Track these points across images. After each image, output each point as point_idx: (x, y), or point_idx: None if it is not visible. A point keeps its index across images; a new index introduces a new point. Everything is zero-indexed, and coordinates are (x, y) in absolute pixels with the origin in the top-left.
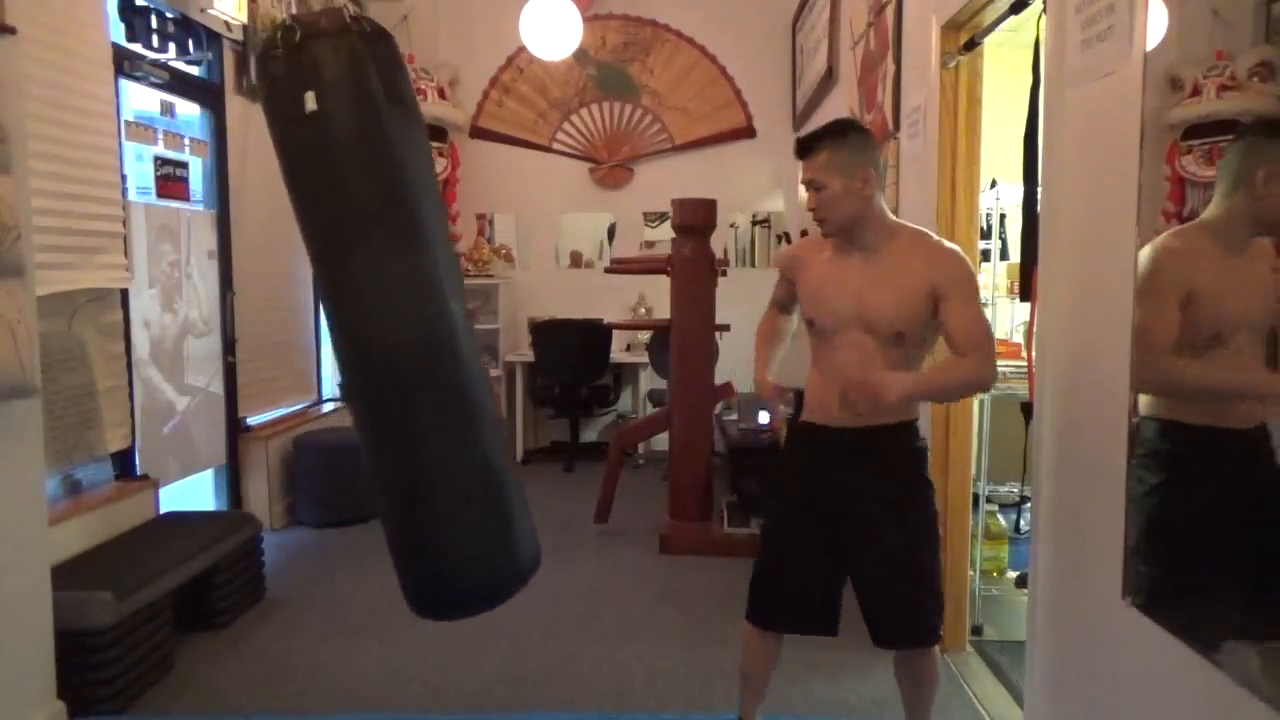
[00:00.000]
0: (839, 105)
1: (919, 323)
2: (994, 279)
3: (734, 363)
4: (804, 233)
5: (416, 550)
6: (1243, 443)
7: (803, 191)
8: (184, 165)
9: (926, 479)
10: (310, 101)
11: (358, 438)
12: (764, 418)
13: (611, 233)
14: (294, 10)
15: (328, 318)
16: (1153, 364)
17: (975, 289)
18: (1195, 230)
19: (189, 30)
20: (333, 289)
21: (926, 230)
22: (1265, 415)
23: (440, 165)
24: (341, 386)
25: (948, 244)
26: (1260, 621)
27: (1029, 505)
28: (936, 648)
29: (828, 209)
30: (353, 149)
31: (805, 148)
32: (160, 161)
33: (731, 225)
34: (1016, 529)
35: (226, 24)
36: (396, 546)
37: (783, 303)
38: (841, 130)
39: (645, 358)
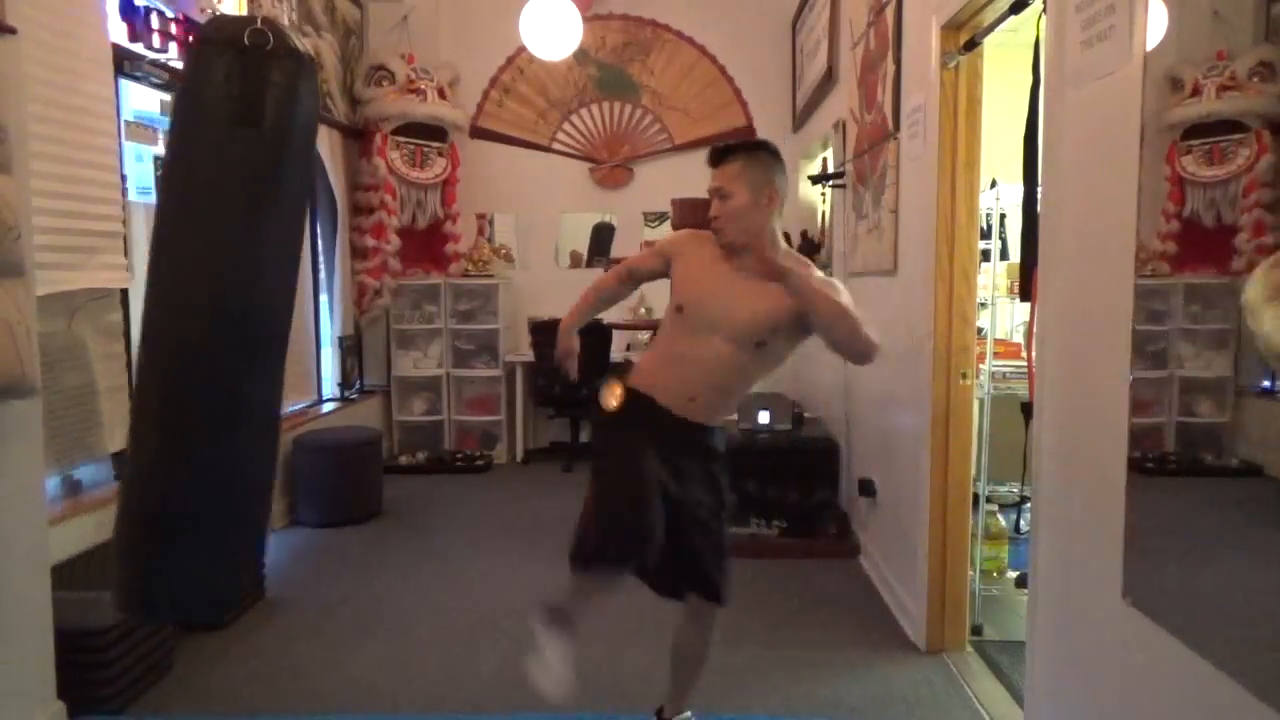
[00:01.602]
0: (839, 105)
1: (781, 333)
2: (994, 279)
3: None
4: (804, 233)
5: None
6: None
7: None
8: None
9: (725, 472)
10: (173, 101)
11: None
12: (764, 417)
13: (597, 234)
14: (294, 10)
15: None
16: None
17: (834, 285)
18: None
19: (189, 30)
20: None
21: (809, 262)
22: None
23: (440, 165)
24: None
25: (807, 262)
26: None
27: (1029, 505)
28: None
29: (730, 218)
30: (181, 153)
31: (720, 155)
32: (160, 161)
33: None
34: (1016, 529)
35: None
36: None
37: (639, 274)
38: (758, 146)
39: None
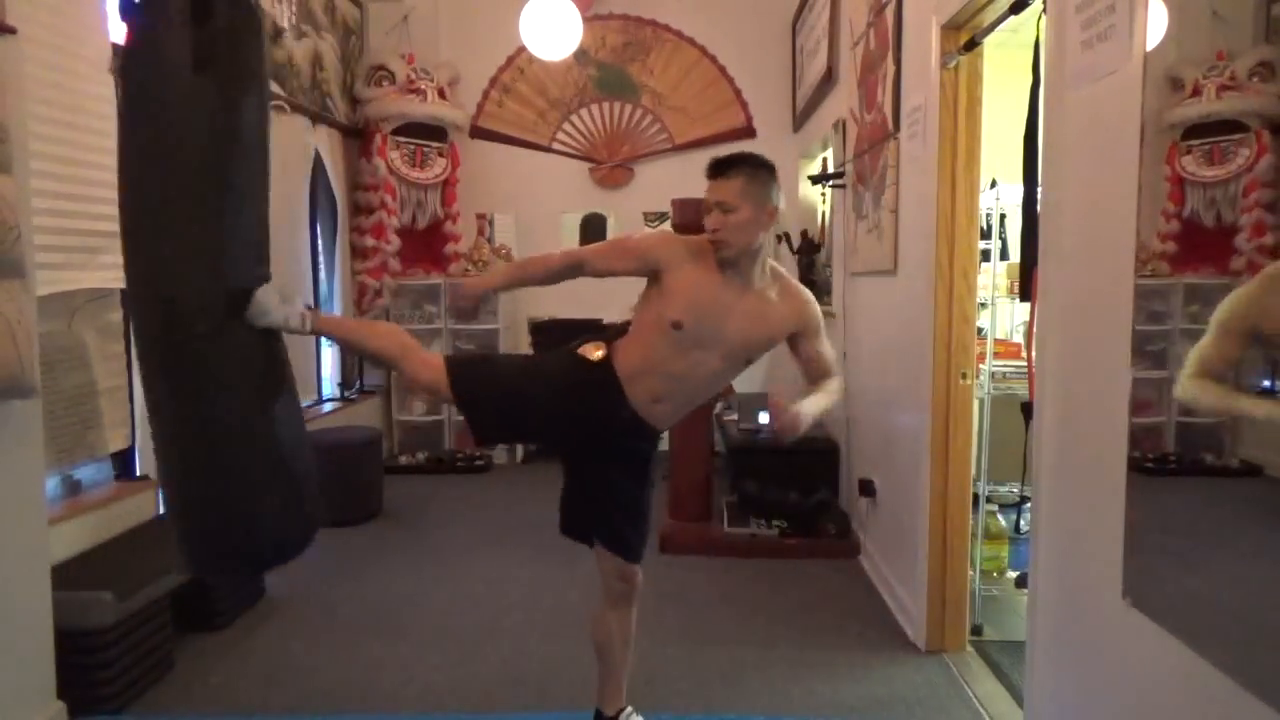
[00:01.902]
0: (839, 105)
1: (765, 351)
2: (994, 279)
3: None
4: (804, 233)
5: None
6: None
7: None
8: None
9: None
10: (119, 57)
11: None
12: (764, 417)
13: (585, 229)
14: (294, 9)
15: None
16: None
17: (822, 324)
18: None
19: None
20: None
21: (784, 271)
22: None
23: (440, 165)
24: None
25: (803, 289)
26: None
27: (1029, 505)
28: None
29: (732, 233)
30: (140, 103)
31: (722, 168)
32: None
33: None
34: (1016, 529)
35: None
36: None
37: (596, 270)
38: (760, 163)
39: None
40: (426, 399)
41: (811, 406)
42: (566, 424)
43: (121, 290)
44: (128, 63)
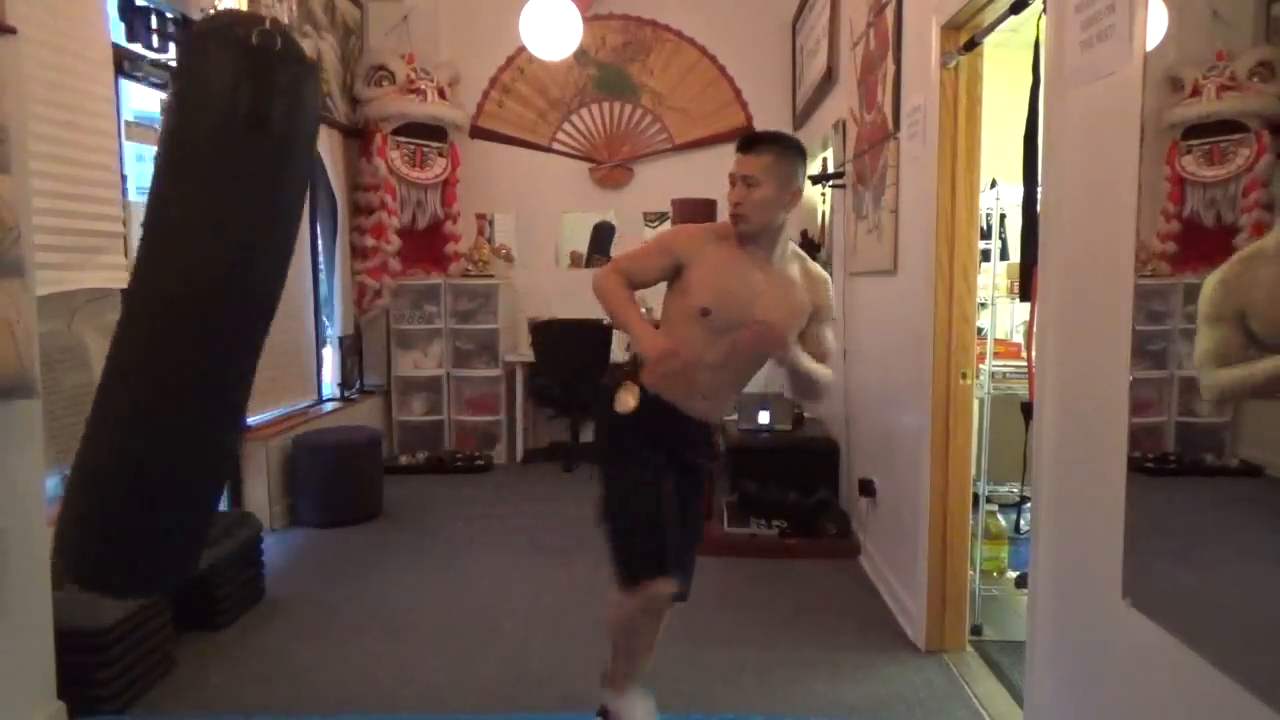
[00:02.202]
0: (839, 105)
1: (794, 330)
2: (994, 279)
3: None
4: (804, 232)
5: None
6: None
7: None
8: None
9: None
10: (170, 96)
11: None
12: (764, 417)
13: (597, 234)
14: (294, 10)
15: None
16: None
17: (833, 310)
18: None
19: (189, 30)
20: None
21: (804, 253)
22: None
23: (440, 165)
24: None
25: (822, 271)
26: None
27: (1029, 505)
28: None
29: (754, 209)
30: (178, 150)
31: (753, 143)
32: (156, 153)
33: None
34: (1016, 529)
35: None
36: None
37: (635, 279)
38: (791, 144)
39: None
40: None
41: (803, 358)
42: (669, 476)
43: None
44: (178, 116)
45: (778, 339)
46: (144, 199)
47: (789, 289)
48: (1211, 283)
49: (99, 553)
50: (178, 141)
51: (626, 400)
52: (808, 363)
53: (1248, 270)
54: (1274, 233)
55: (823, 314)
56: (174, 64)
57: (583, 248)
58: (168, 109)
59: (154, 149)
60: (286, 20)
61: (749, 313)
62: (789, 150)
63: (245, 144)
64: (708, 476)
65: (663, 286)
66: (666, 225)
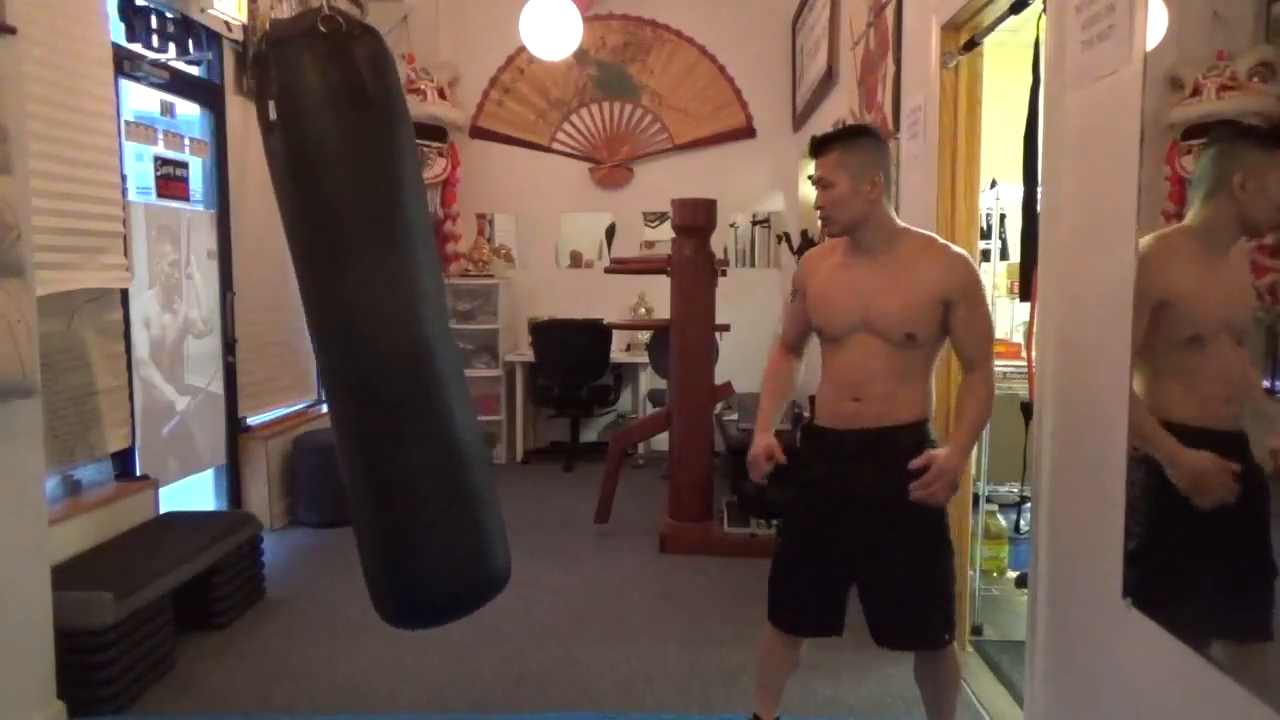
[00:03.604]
0: (839, 105)
1: (929, 325)
2: (994, 279)
3: (733, 363)
4: (804, 232)
5: (391, 558)
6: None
7: (808, 190)
8: (184, 165)
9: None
10: (272, 111)
11: (336, 443)
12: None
13: (611, 233)
14: (293, 10)
15: (314, 326)
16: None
17: (984, 292)
18: (1177, 234)
19: (189, 30)
20: (317, 299)
21: (934, 235)
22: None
23: (440, 165)
24: (326, 390)
25: (956, 248)
26: (1241, 621)
27: (1029, 505)
28: (954, 645)
29: (834, 208)
30: (311, 158)
31: (819, 145)
32: (160, 161)
33: (731, 225)
34: (1016, 529)
35: (226, 24)
36: (372, 554)
37: (794, 341)
38: (856, 133)
39: (645, 358)
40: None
41: (958, 453)
42: (817, 519)
43: (122, 291)
44: (275, 114)
45: (940, 492)
46: (144, 199)
47: (900, 274)
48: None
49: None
50: (301, 151)
51: (760, 467)
52: (964, 434)
53: (1166, 256)
54: (1193, 210)
55: (960, 296)
56: (256, 91)
57: (583, 248)
58: (273, 138)
59: (153, 148)
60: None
61: (857, 315)
62: (856, 140)
63: (358, 125)
64: (909, 509)
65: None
66: (666, 225)
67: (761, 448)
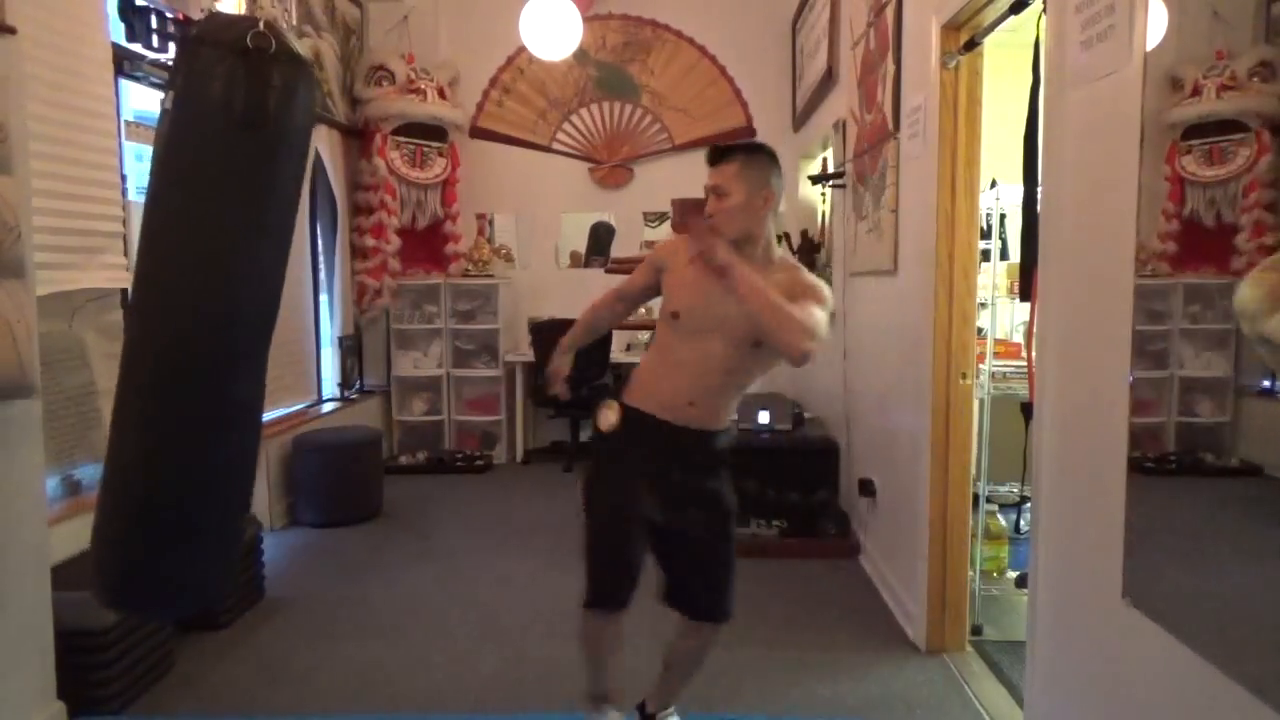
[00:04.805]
0: (839, 105)
1: None
2: (994, 279)
3: None
4: (804, 232)
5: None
6: None
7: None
8: None
9: (728, 478)
10: (168, 101)
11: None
12: (764, 417)
13: (597, 233)
14: (294, 10)
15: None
16: None
17: (825, 306)
18: None
19: (184, 35)
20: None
21: (797, 263)
22: None
23: (440, 165)
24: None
25: (809, 275)
26: None
27: (1029, 505)
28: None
29: (725, 216)
30: (177, 154)
31: (719, 154)
32: (152, 159)
33: None
34: (1016, 529)
35: None
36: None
37: (631, 295)
38: (756, 148)
39: None
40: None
41: (742, 264)
42: (649, 501)
43: (122, 291)
44: (174, 99)
45: (713, 242)
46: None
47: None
48: (1250, 294)
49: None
50: (174, 145)
51: (608, 417)
52: (755, 279)
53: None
54: None
55: (802, 295)
56: (171, 68)
57: (583, 248)
58: (164, 113)
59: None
60: (286, 21)
61: (716, 315)
62: (754, 155)
63: (241, 143)
64: (719, 495)
65: None
66: (666, 225)
67: (555, 368)
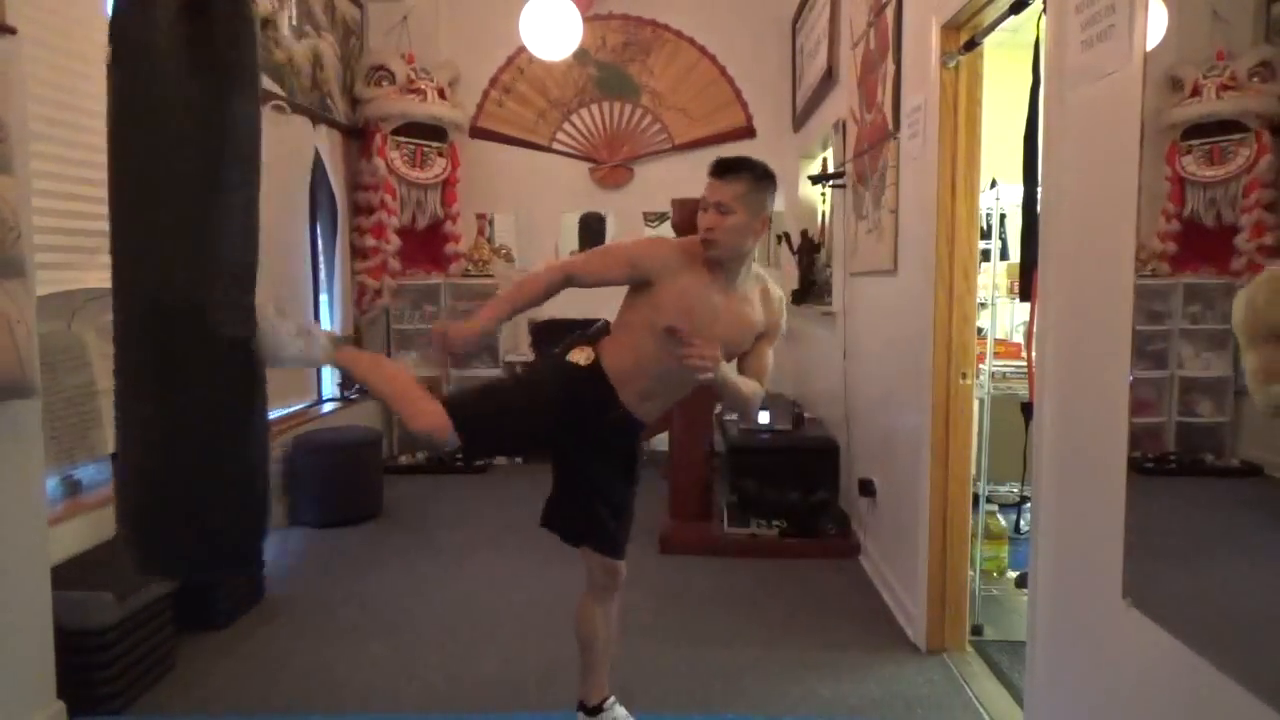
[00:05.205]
0: (839, 105)
1: (742, 349)
2: (994, 279)
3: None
4: (804, 232)
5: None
6: None
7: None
8: None
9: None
10: (108, 57)
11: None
12: (764, 417)
13: (585, 228)
14: (293, 10)
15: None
16: None
17: (781, 334)
18: None
19: None
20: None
21: (766, 275)
22: None
23: (440, 165)
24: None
25: (779, 294)
26: None
27: (1029, 505)
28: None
29: (726, 234)
30: (135, 104)
31: (727, 169)
32: (111, 99)
33: None
34: (1016, 529)
35: None
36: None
37: (586, 282)
38: (764, 173)
39: None
40: (426, 450)
41: (730, 372)
42: (561, 429)
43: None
44: (116, 56)
45: (709, 363)
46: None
47: (745, 311)
48: (1239, 305)
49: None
50: (123, 91)
51: (581, 354)
52: (734, 378)
53: (1274, 292)
54: None
55: (771, 333)
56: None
57: (582, 247)
58: (108, 69)
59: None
60: (286, 21)
61: (706, 333)
62: (762, 179)
63: (190, 79)
64: (632, 468)
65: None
66: (667, 225)
67: (473, 332)
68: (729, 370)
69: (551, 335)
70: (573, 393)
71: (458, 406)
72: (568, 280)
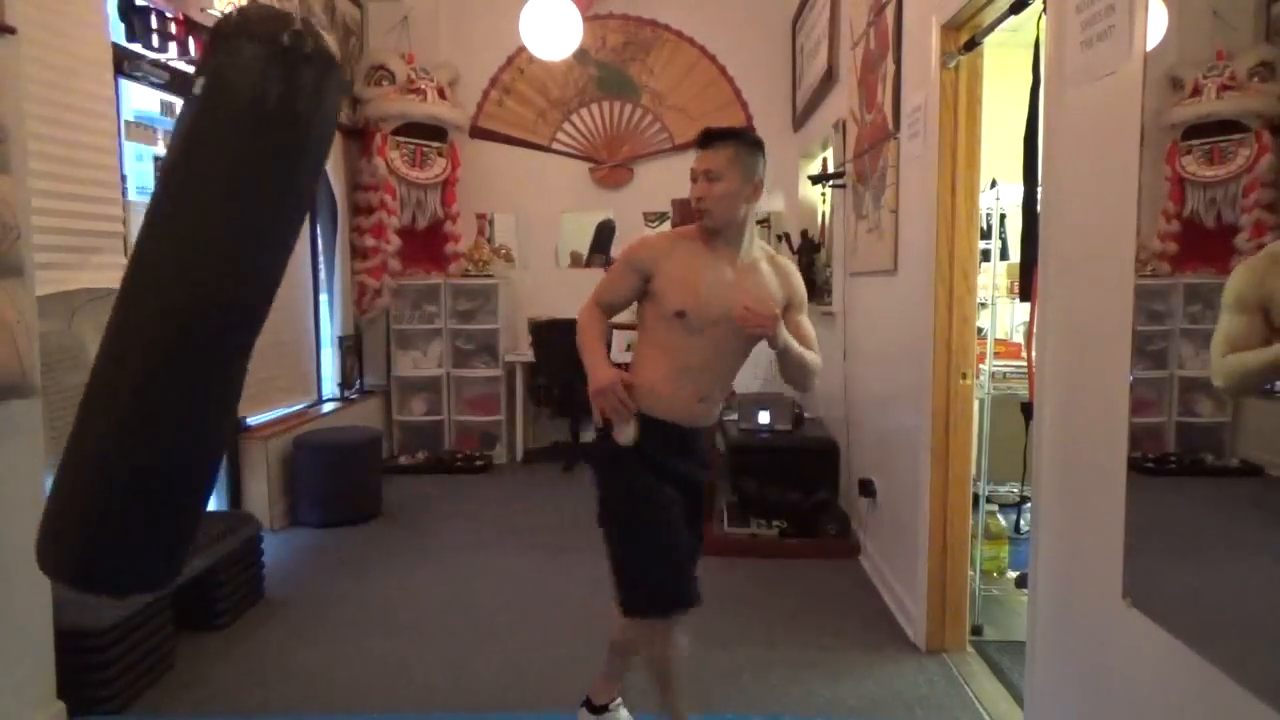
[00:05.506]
0: (839, 105)
1: None
2: (994, 279)
3: None
4: (804, 232)
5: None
6: None
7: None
8: None
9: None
10: (197, 87)
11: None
12: (764, 417)
13: (601, 232)
14: (294, 9)
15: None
16: None
17: (806, 301)
18: None
19: (189, 30)
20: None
21: (768, 246)
22: None
23: (440, 165)
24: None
25: (789, 262)
26: None
27: (1029, 505)
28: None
29: (718, 203)
30: (200, 142)
31: (714, 138)
32: (171, 148)
33: None
34: (1016, 529)
35: None
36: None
37: (616, 305)
38: (751, 139)
39: None
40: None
41: (791, 340)
42: (676, 500)
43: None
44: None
45: (768, 319)
46: (144, 199)
47: (760, 280)
48: (1241, 270)
49: (84, 549)
50: (197, 132)
51: (628, 432)
52: (796, 345)
53: (1276, 265)
54: None
55: (795, 302)
56: (202, 56)
57: (583, 248)
58: (190, 98)
59: (153, 148)
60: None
61: (726, 306)
62: (749, 143)
63: (265, 139)
64: (706, 479)
65: None
66: (667, 225)
67: (614, 375)
68: (787, 334)
69: (552, 335)
70: (654, 461)
71: (635, 593)
72: (600, 307)
